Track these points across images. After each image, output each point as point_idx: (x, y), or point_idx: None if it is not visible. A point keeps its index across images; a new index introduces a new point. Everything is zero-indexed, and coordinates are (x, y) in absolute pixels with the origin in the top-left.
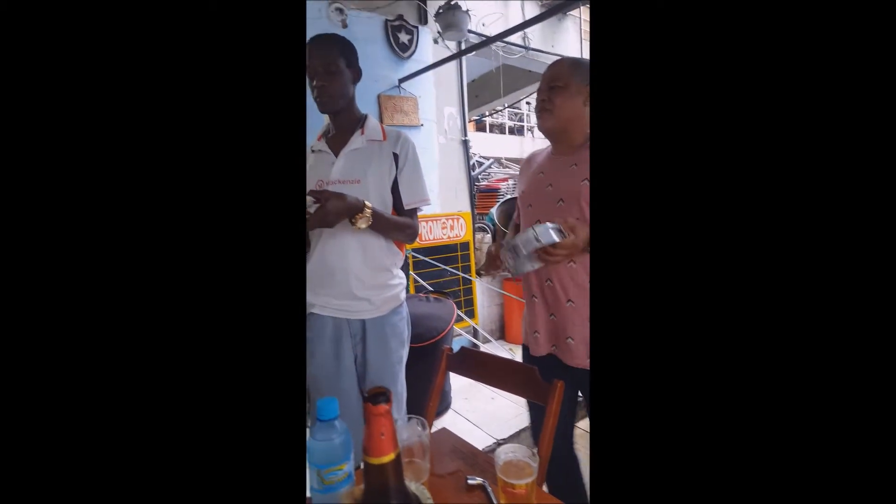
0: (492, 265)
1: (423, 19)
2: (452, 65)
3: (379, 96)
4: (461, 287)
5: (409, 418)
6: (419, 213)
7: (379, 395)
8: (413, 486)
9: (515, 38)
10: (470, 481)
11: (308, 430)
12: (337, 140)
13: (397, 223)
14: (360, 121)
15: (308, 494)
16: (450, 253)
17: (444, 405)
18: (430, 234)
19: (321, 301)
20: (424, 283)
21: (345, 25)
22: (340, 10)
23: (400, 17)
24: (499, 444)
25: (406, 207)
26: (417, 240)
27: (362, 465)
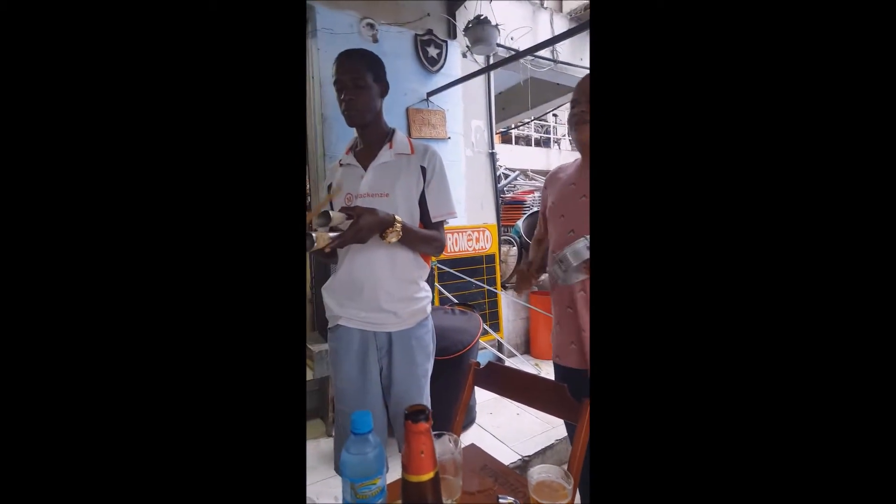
0: (524, 284)
1: (452, 34)
2: (480, 78)
3: (407, 109)
4: (486, 300)
5: (440, 434)
6: (445, 225)
7: (419, 413)
8: (449, 503)
9: (544, 51)
10: (501, 500)
11: (333, 441)
12: (365, 154)
13: (425, 236)
14: (387, 135)
15: None
16: (475, 265)
17: (468, 420)
18: (456, 245)
19: (348, 313)
20: (449, 296)
21: (375, 40)
22: (371, 26)
23: (429, 32)
24: (524, 461)
25: (433, 220)
26: (443, 252)
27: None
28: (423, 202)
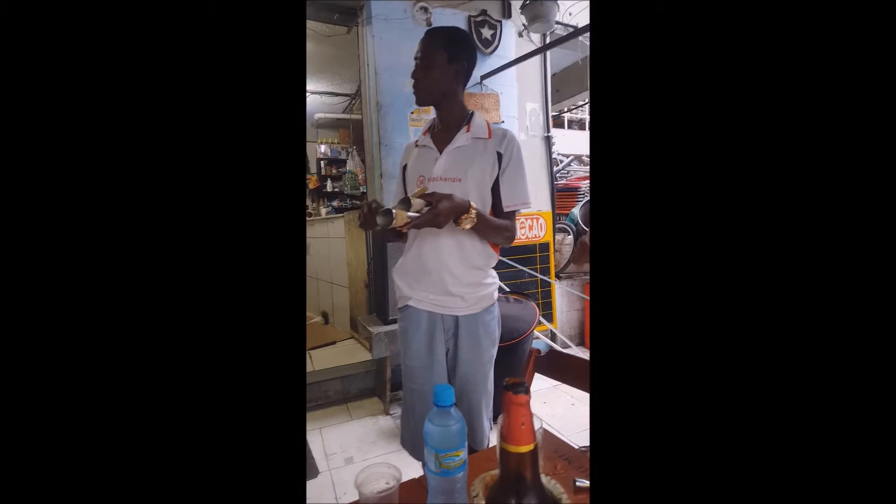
0: None
1: (506, 13)
2: (536, 58)
3: None
4: (539, 289)
5: None
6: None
7: (519, 385)
8: (545, 479)
9: None
10: (578, 483)
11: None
12: (442, 136)
13: (497, 225)
14: (466, 118)
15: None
16: (528, 254)
17: None
18: None
19: (417, 295)
20: (501, 284)
21: (429, 24)
22: (425, 9)
23: (483, 13)
24: (582, 452)
25: (505, 210)
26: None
27: (498, 453)
28: (496, 189)
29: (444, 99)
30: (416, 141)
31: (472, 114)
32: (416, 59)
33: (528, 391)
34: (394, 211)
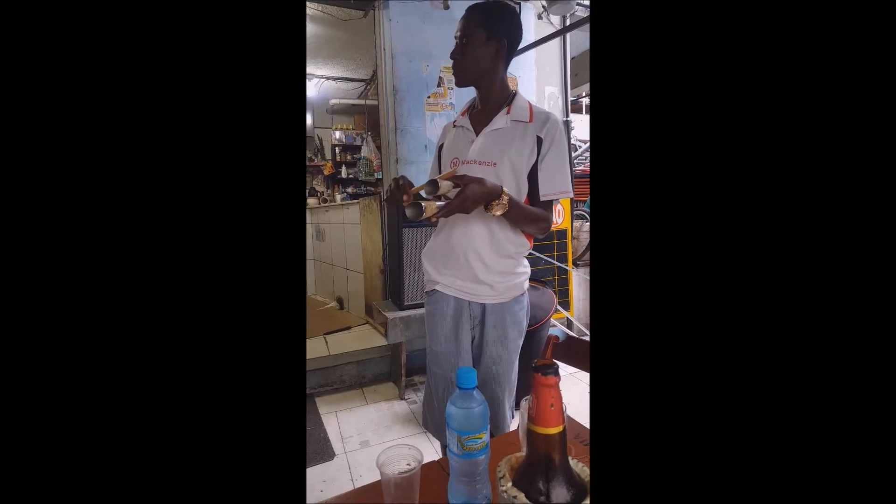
0: None
1: None
2: (555, 42)
3: None
4: (556, 277)
5: None
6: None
7: (548, 367)
8: (572, 461)
9: None
10: None
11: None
12: (480, 117)
13: (531, 214)
14: (507, 98)
15: (446, 456)
16: (546, 241)
17: None
18: None
19: (445, 280)
20: None
21: (447, 6)
22: None
23: None
24: None
25: (542, 198)
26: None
27: (527, 434)
28: (533, 176)
29: (483, 78)
30: (454, 121)
31: (515, 94)
32: (455, 37)
33: (557, 373)
34: (423, 204)
